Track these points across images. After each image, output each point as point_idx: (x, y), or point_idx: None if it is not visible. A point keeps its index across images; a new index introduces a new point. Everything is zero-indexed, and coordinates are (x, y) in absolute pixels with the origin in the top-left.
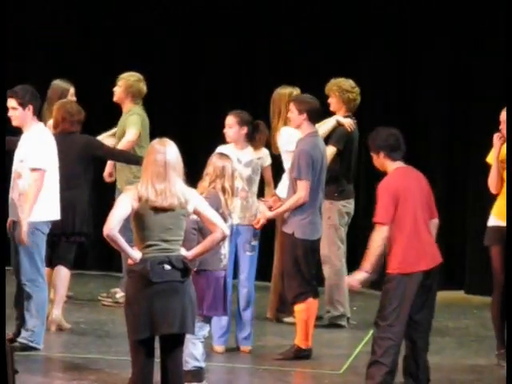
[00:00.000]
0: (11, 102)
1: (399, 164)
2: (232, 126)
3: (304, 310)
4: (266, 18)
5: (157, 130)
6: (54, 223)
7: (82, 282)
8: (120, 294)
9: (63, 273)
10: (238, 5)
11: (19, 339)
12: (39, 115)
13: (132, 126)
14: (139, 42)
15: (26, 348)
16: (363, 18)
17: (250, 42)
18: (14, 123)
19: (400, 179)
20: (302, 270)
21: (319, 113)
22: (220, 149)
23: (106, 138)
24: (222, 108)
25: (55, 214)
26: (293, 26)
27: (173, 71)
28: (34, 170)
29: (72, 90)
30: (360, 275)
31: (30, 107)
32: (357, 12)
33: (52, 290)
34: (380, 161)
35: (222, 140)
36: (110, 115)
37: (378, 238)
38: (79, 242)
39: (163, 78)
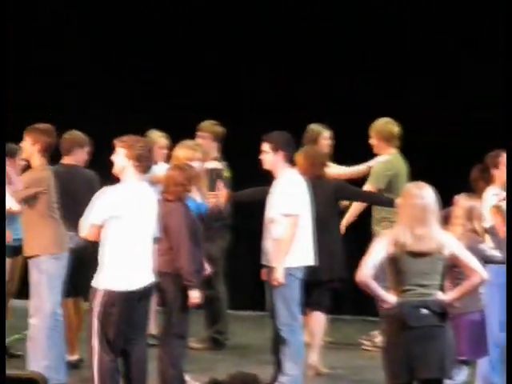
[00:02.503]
0: (264, 146)
1: None
2: None
3: None
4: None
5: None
6: (310, 269)
7: (336, 326)
8: (379, 338)
9: (319, 318)
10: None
11: (277, 383)
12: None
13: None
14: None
15: None
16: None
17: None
18: (265, 166)
19: None
20: None
21: None
22: None
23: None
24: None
25: (310, 260)
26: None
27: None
28: (287, 215)
29: (326, 134)
30: None
31: (281, 153)
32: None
33: (308, 335)
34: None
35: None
36: None
37: None
38: (335, 287)
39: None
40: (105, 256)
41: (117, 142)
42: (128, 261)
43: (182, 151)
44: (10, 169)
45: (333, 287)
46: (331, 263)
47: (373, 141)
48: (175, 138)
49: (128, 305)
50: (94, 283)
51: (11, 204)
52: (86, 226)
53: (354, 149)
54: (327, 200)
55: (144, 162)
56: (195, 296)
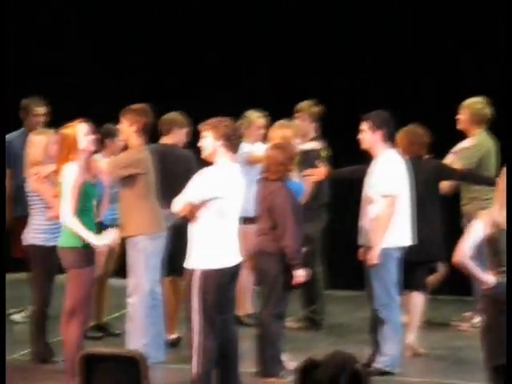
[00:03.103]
0: (363, 125)
1: None
2: None
3: None
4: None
5: None
6: (411, 249)
7: (434, 306)
8: (476, 319)
9: (418, 298)
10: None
11: (375, 364)
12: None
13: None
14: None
15: (381, 373)
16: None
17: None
18: (363, 146)
19: None
20: None
21: None
22: None
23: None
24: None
25: (407, 240)
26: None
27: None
28: (385, 196)
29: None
30: None
31: (380, 132)
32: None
33: (406, 315)
34: None
35: None
36: None
37: None
38: (433, 267)
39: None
40: (199, 236)
41: (201, 127)
42: (221, 240)
43: (280, 131)
44: (44, 194)
45: (431, 267)
46: (430, 243)
47: (462, 117)
48: None
49: (223, 283)
50: (188, 264)
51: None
52: (181, 202)
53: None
54: (426, 180)
55: (233, 140)
56: (300, 274)
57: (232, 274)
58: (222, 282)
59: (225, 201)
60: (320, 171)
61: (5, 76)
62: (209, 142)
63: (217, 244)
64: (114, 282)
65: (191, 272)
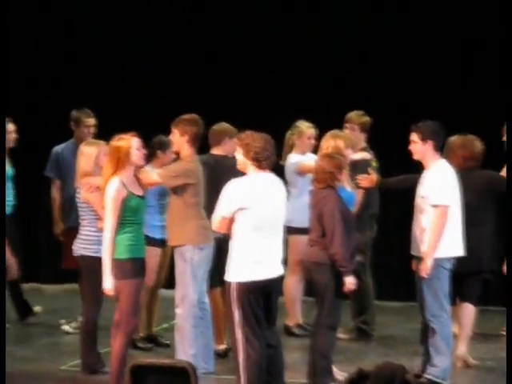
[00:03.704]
0: (413, 136)
1: None
2: None
3: None
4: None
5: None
6: (461, 260)
7: (485, 317)
8: None
9: (469, 309)
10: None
11: (426, 375)
12: None
13: None
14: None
15: (433, 383)
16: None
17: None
18: (415, 157)
19: None
20: None
21: None
22: None
23: None
24: None
25: (459, 251)
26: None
27: None
28: (436, 206)
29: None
30: None
31: (430, 142)
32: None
33: (457, 326)
34: None
35: None
36: None
37: None
38: (486, 278)
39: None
40: (235, 249)
41: (236, 140)
42: (257, 252)
43: (332, 141)
44: (94, 204)
45: (483, 278)
46: (482, 254)
47: None
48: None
49: (260, 295)
50: (227, 277)
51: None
52: (217, 218)
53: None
54: (480, 191)
55: (263, 161)
56: (350, 282)
57: (270, 286)
58: (258, 295)
59: (257, 212)
60: (371, 178)
61: (5, 76)
62: (240, 158)
63: (253, 256)
64: (163, 292)
65: (229, 285)
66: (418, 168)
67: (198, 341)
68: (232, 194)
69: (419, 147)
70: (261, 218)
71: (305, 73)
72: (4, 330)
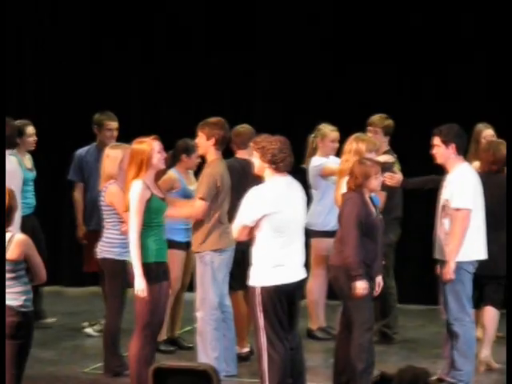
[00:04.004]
0: (435, 140)
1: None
2: None
3: None
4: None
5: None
6: (483, 264)
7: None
8: None
9: (492, 313)
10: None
11: (448, 379)
12: None
13: None
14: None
15: None
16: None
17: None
18: (438, 161)
19: None
20: None
21: None
22: None
23: None
24: None
25: (481, 254)
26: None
27: None
28: (458, 209)
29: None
30: None
31: (453, 146)
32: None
33: (480, 329)
34: None
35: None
36: None
37: None
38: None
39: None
40: (257, 253)
41: (252, 144)
42: (279, 256)
43: (355, 144)
44: (118, 207)
45: (506, 282)
46: (505, 258)
47: None
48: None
49: (283, 299)
50: (250, 282)
51: None
52: (237, 227)
53: None
54: (504, 194)
55: (279, 163)
56: (360, 287)
57: (292, 290)
58: (281, 298)
59: (279, 216)
60: (398, 177)
61: (5, 76)
62: (256, 161)
63: (275, 261)
64: (187, 295)
65: (253, 289)
66: (440, 171)
67: (219, 344)
68: (254, 202)
69: (442, 151)
70: (282, 222)
71: (328, 75)
72: (4, 330)
